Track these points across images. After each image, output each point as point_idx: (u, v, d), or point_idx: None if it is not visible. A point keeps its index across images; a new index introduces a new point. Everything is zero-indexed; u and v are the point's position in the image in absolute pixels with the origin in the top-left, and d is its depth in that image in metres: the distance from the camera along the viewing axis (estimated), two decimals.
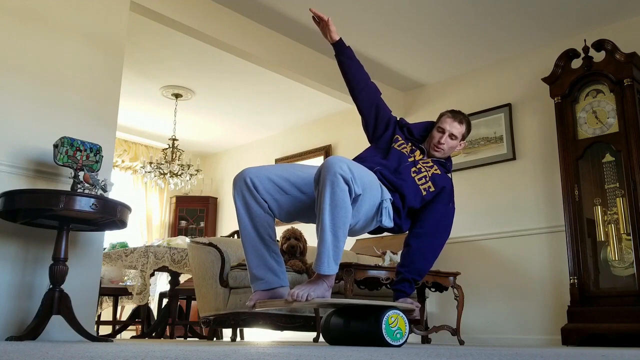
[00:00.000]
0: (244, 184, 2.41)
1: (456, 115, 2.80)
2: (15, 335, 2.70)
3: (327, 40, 2.85)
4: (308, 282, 2.32)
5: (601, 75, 4.19)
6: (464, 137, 2.81)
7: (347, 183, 2.22)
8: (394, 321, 2.37)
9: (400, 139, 2.78)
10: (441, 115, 2.84)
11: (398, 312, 2.40)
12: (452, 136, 2.76)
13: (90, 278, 3.27)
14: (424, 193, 2.65)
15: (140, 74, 5.56)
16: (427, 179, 2.67)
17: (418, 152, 2.76)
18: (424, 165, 2.72)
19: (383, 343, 2.32)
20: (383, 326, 2.33)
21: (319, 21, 2.80)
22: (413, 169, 2.67)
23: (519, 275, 4.80)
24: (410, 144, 2.78)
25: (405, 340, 2.40)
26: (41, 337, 2.74)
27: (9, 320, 2.88)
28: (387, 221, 2.51)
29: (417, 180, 2.65)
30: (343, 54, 2.86)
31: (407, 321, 2.41)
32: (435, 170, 2.72)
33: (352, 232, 2.46)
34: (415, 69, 5.47)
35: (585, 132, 4.25)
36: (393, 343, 2.34)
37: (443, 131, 2.76)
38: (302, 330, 3.95)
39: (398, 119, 2.90)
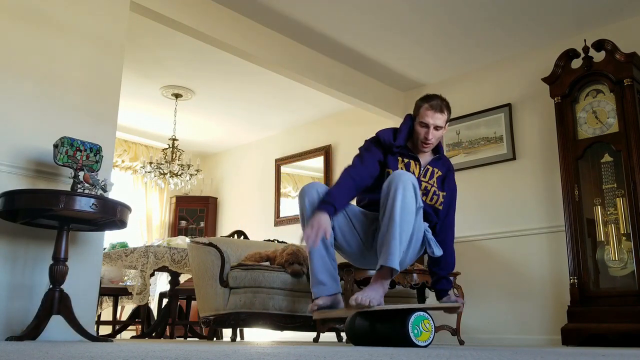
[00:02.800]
0: (315, 194, 2.58)
1: (434, 104, 2.71)
2: (15, 335, 2.70)
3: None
4: (369, 287, 2.49)
5: (601, 75, 4.19)
6: (447, 121, 2.76)
7: (415, 192, 2.44)
8: (422, 322, 2.46)
9: (391, 165, 2.70)
10: (419, 107, 2.74)
11: (425, 313, 2.49)
12: (436, 128, 2.71)
13: (90, 278, 3.27)
14: (440, 207, 2.72)
15: (140, 74, 5.56)
16: (436, 192, 2.70)
17: (413, 163, 2.73)
18: (426, 181, 2.70)
19: (409, 343, 2.38)
20: (410, 326, 2.39)
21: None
22: (420, 190, 2.67)
23: (519, 275, 4.79)
24: (401, 158, 2.72)
25: (430, 342, 2.47)
26: (41, 337, 2.74)
27: (9, 320, 2.88)
28: (437, 250, 2.64)
29: (429, 202, 2.69)
30: (345, 204, 2.66)
31: (433, 324, 2.50)
32: (437, 173, 2.72)
33: (402, 265, 2.54)
34: (415, 69, 5.47)
35: (585, 132, 4.25)
36: (419, 343, 2.38)
37: (427, 125, 2.69)
38: (302, 330, 3.95)
39: (379, 139, 2.76)
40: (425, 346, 2.41)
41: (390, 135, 2.75)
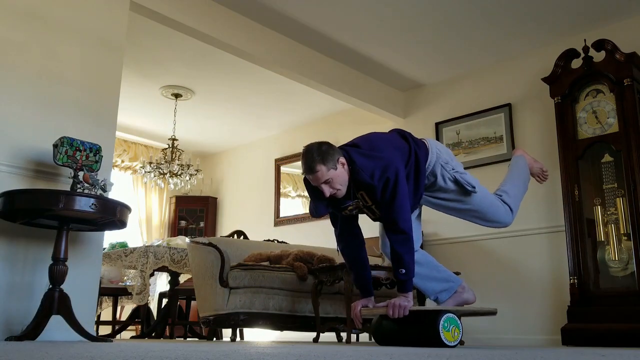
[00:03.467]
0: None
1: (307, 168, 2.57)
2: (15, 335, 2.70)
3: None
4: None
5: (601, 75, 4.19)
6: (331, 166, 2.54)
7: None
8: (450, 323, 2.50)
9: (333, 208, 2.73)
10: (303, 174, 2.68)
11: (453, 315, 2.53)
12: (326, 182, 2.55)
13: (90, 278, 3.26)
14: (376, 216, 2.70)
15: (140, 74, 5.56)
16: (373, 208, 2.67)
17: (347, 210, 2.71)
18: (351, 208, 2.68)
19: (439, 344, 2.43)
20: (440, 327, 2.45)
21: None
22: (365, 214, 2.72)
23: (519, 275, 4.79)
24: (337, 213, 2.75)
25: (459, 342, 2.52)
26: (41, 337, 2.74)
27: (9, 320, 2.87)
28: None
29: (372, 212, 2.69)
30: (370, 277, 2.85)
31: (460, 323, 2.54)
32: (365, 196, 2.65)
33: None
34: (415, 69, 5.47)
35: (585, 132, 4.25)
36: (449, 344, 2.42)
37: (319, 186, 2.58)
38: (302, 330, 3.95)
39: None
40: (454, 346, 2.45)
41: (313, 212, 2.79)
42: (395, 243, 2.57)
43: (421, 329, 2.53)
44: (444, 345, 2.43)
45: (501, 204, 2.90)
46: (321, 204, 2.70)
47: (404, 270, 2.55)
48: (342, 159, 2.58)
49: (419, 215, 2.97)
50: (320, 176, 2.53)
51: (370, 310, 2.70)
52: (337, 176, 2.55)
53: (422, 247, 5.27)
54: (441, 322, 2.46)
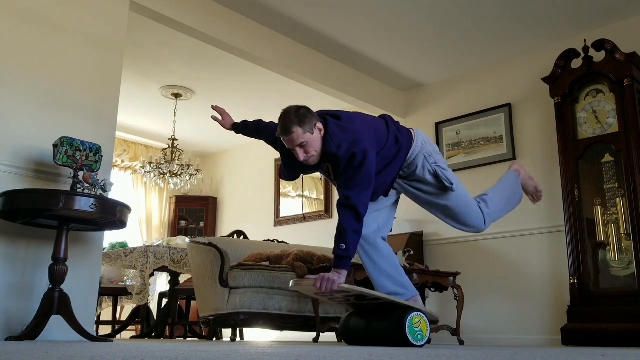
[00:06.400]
0: None
1: (283, 128, 2.53)
2: (15, 335, 2.70)
3: (226, 129, 3.18)
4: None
5: (601, 75, 4.19)
6: (307, 130, 2.52)
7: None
8: (417, 322, 2.47)
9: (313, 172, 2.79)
10: (278, 137, 2.65)
11: (421, 314, 2.50)
12: (301, 146, 2.53)
13: (90, 278, 3.26)
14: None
15: (140, 74, 5.56)
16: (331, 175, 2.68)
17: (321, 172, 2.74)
18: (332, 180, 2.71)
19: (406, 343, 2.39)
20: (407, 326, 2.42)
21: (221, 115, 3.05)
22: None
23: (519, 275, 4.79)
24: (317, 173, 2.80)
25: (427, 342, 2.49)
26: (41, 337, 2.74)
27: (9, 320, 2.88)
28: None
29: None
30: (241, 132, 3.11)
31: (428, 324, 2.51)
32: (330, 168, 2.65)
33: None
34: (415, 69, 5.47)
35: (585, 132, 4.25)
36: (415, 343, 2.40)
37: (293, 149, 2.56)
38: (302, 330, 3.95)
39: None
40: (421, 346, 2.42)
41: (284, 175, 2.83)
42: (344, 218, 2.47)
43: (388, 328, 2.49)
44: (411, 345, 2.40)
45: (477, 209, 2.83)
46: (291, 170, 2.72)
47: (344, 246, 2.45)
48: (320, 125, 2.56)
49: (396, 202, 2.90)
50: (296, 138, 2.51)
51: (299, 282, 2.71)
52: (313, 141, 2.53)
53: (421, 246, 5.29)
54: (407, 321, 2.42)
